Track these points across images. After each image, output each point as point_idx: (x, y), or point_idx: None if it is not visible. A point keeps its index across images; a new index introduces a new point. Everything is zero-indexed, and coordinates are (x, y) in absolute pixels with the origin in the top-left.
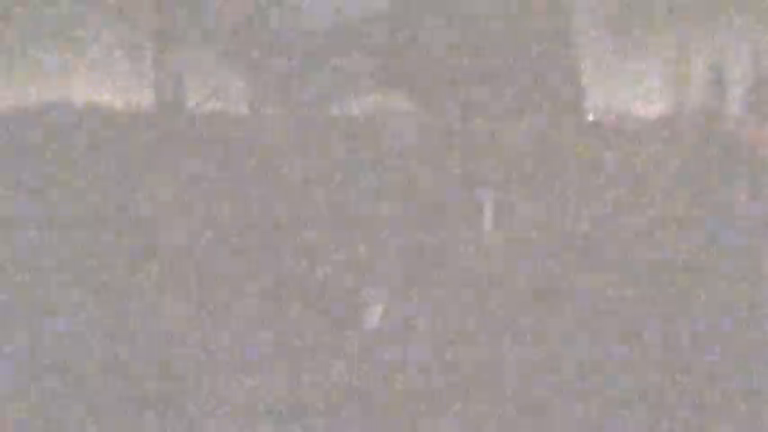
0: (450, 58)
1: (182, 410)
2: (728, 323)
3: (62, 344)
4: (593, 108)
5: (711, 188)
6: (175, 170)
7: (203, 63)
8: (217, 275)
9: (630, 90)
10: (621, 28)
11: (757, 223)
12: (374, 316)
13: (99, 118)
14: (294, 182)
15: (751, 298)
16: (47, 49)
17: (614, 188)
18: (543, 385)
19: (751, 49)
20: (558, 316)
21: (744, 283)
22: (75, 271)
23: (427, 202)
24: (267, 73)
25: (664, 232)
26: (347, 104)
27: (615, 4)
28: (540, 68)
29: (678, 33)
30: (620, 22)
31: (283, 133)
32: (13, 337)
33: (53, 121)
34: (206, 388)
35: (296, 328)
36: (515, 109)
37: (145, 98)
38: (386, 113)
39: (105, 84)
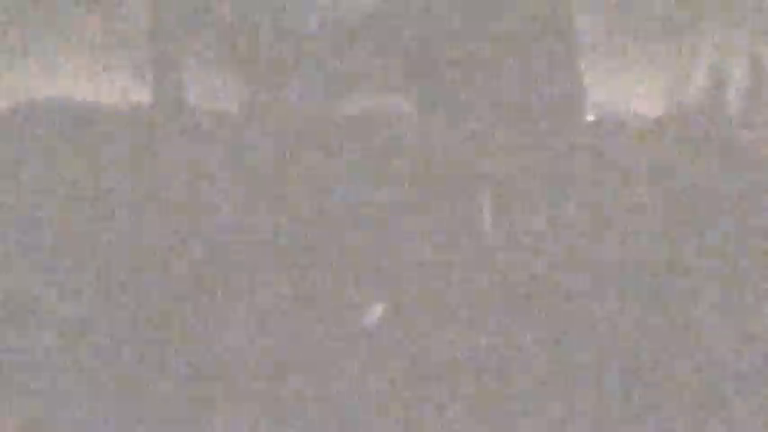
0: (449, 57)
1: (183, 410)
2: (729, 325)
3: (61, 344)
4: (593, 107)
5: (712, 188)
6: (175, 170)
7: (203, 62)
8: (217, 275)
9: (631, 90)
10: (622, 27)
11: (759, 224)
12: (373, 315)
13: (98, 117)
14: (293, 182)
15: (752, 300)
16: (46, 49)
17: (615, 188)
18: (543, 385)
19: (752, 49)
20: (559, 316)
21: (745, 285)
22: (73, 270)
23: (427, 201)
24: (267, 72)
25: (664, 233)
26: (347, 104)
27: (615, 4)
28: (541, 68)
29: (679, 33)
30: (621, 22)
31: (282, 133)
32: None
33: (52, 120)
34: (206, 388)
35: (296, 327)
36: (515, 109)
37: (144, 98)
38: (385, 113)
39: (104, 83)
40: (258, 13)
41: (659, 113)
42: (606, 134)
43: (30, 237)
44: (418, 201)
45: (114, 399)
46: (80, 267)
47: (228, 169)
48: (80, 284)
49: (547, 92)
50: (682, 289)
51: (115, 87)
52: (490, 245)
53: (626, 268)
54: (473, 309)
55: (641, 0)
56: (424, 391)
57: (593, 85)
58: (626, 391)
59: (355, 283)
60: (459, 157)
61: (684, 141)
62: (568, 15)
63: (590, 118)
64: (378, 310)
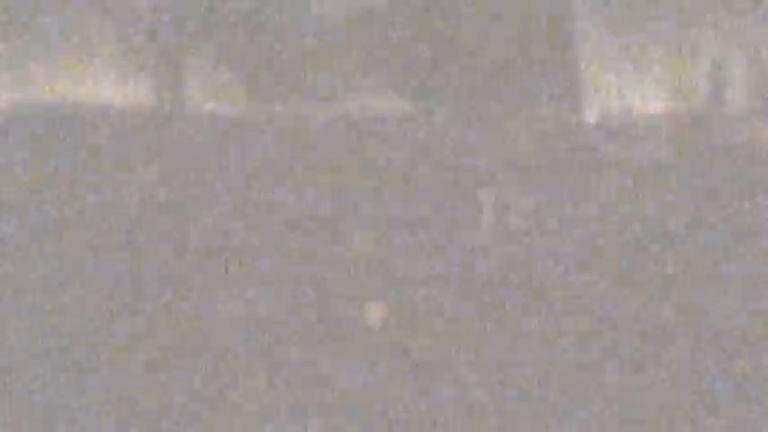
0: (450, 57)
1: (184, 409)
2: (730, 326)
3: (65, 343)
4: (594, 108)
5: (714, 189)
6: (176, 169)
7: (203, 62)
8: (217, 273)
9: (632, 90)
10: (623, 27)
11: (760, 224)
12: (377, 313)
13: (99, 117)
14: (294, 181)
15: (754, 302)
16: (47, 49)
17: (616, 188)
18: (543, 385)
19: (753, 49)
20: (558, 316)
21: (747, 286)
22: (74, 269)
23: (427, 201)
24: (267, 72)
25: (666, 233)
26: (347, 104)
27: (617, 3)
28: (541, 68)
29: (680, 32)
30: (622, 21)
31: (282, 133)
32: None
33: (53, 119)
34: (206, 387)
35: (297, 327)
36: (516, 109)
37: (145, 97)
38: (386, 113)
39: (105, 83)
40: (258, 14)
41: (660, 112)
42: (607, 134)
43: (30, 236)
44: (417, 200)
45: (114, 399)
46: (81, 267)
47: (228, 168)
48: (81, 284)
49: (547, 92)
50: (682, 287)
51: (116, 87)
52: (489, 243)
53: (627, 266)
54: (472, 306)
55: (642, 0)
56: (425, 390)
57: (595, 85)
58: (628, 387)
59: (356, 282)
60: (458, 156)
61: (685, 141)
62: (569, 15)
63: (591, 118)
64: (380, 309)
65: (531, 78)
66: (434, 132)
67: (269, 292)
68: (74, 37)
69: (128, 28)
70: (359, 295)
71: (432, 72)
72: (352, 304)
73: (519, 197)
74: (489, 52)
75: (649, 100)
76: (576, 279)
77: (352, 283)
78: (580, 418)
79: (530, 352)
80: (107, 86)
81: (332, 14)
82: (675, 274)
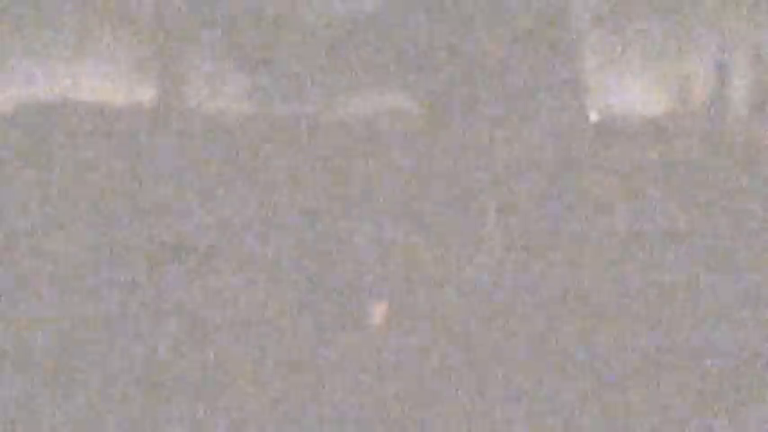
0: (451, 57)
1: (185, 407)
2: (735, 328)
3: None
4: (596, 108)
5: (716, 188)
6: (178, 168)
7: (205, 61)
8: (216, 270)
9: (634, 89)
10: (625, 26)
11: (762, 225)
12: (377, 315)
13: (101, 116)
14: (296, 180)
15: (758, 302)
16: (49, 48)
17: (619, 189)
18: (546, 388)
19: (754, 47)
20: (562, 320)
21: (751, 287)
22: (77, 269)
23: (429, 202)
24: (268, 72)
25: (668, 234)
26: (350, 104)
27: (618, 3)
28: (542, 68)
29: (682, 32)
30: (623, 21)
31: (283, 132)
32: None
33: (55, 119)
34: (206, 387)
35: (299, 326)
36: (517, 109)
37: (147, 96)
38: (388, 113)
39: (106, 82)
40: (261, 12)
41: (663, 112)
42: (610, 133)
43: (32, 236)
44: (422, 200)
45: (115, 398)
46: (79, 267)
47: (230, 166)
48: (81, 283)
49: (549, 92)
50: (686, 287)
51: (118, 85)
52: (494, 245)
53: (629, 268)
54: (476, 310)
55: (643, 0)
56: (427, 391)
57: (597, 85)
58: (630, 392)
59: (359, 283)
60: (460, 157)
61: (688, 139)
62: (570, 15)
63: (593, 117)
64: (382, 310)
65: (533, 79)
66: (437, 132)
67: (269, 291)
68: (74, 35)
69: (128, 26)
70: (361, 296)
71: (434, 72)
72: (354, 304)
73: (522, 197)
74: (490, 53)
75: (651, 100)
76: (578, 279)
77: (354, 283)
78: (580, 418)
79: (532, 353)
80: (107, 85)
81: (335, 13)
82: (678, 275)
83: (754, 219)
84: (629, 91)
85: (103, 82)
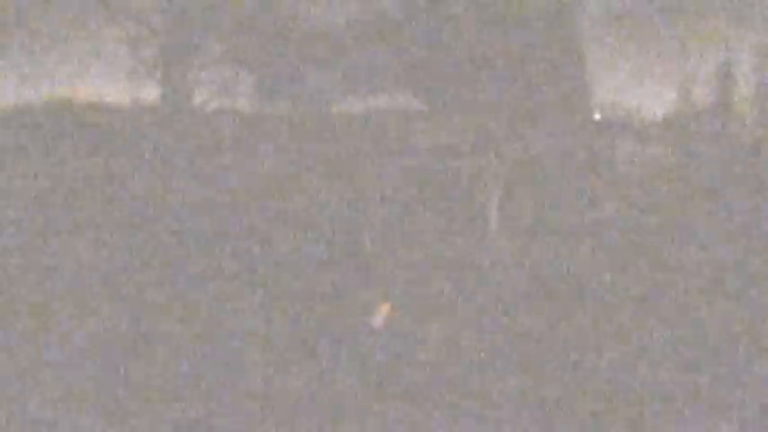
0: (455, 57)
1: (186, 407)
2: (739, 321)
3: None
4: (599, 107)
5: (719, 188)
6: (180, 166)
7: (208, 61)
8: (220, 271)
9: (637, 88)
10: (628, 26)
11: (765, 221)
12: (380, 314)
13: (105, 115)
14: (298, 180)
15: (762, 297)
16: (54, 48)
17: (621, 187)
18: (549, 382)
19: (758, 48)
20: (565, 314)
21: (755, 282)
22: (81, 266)
23: (432, 200)
24: (271, 71)
25: (672, 231)
26: (352, 103)
27: (621, 3)
28: (547, 67)
29: (687, 32)
30: (627, 21)
31: (288, 130)
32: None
33: (60, 118)
34: (207, 386)
35: (301, 325)
36: (521, 108)
37: (151, 95)
38: (392, 112)
39: (111, 81)
40: (265, 13)
41: (666, 112)
42: (613, 133)
43: (33, 234)
44: (426, 198)
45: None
46: (83, 265)
47: (236, 167)
48: (82, 281)
49: (553, 91)
50: (687, 286)
51: (124, 86)
52: (496, 242)
53: (634, 268)
54: (479, 305)
55: (648, 1)
56: (429, 389)
57: (600, 84)
58: (632, 389)
59: (363, 281)
60: (466, 154)
61: (692, 139)
62: (576, 16)
63: (596, 117)
64: (385, 309)
65: (537, 77)
66: (442, 131)
67: (273, 287)
68: (78, 35)
69: (134, 27)
70: (365, 294)
71: (437, 72)
72: (356, 303)
73: (525, 195)
74: (497, 53)
75: (656, 99)
76: (584, 277)
77: (355, 282)
78: (584, 417)
79: (535, 350)
80: (114, 85)
81: (337, 16)
82: (683, 270)
83: (758, 216)
84: (635, 90)
85: (107, 82)
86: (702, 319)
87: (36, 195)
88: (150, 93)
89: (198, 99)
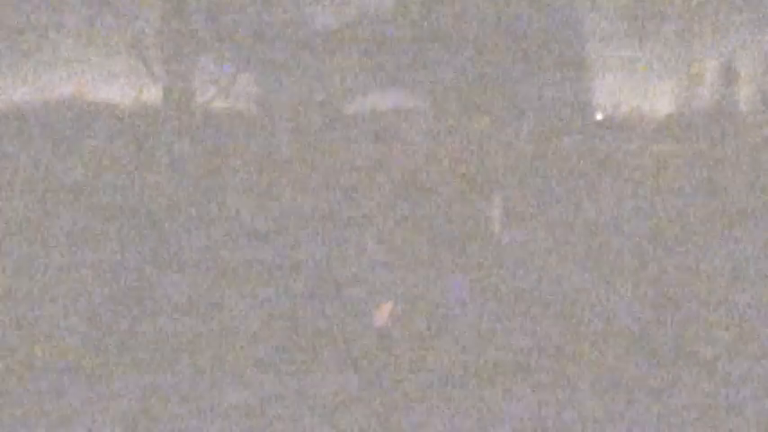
0: (457, 57)
1: (186, 406)
2: (744, 325)
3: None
4: (601, 107)
5: (722, 187)
6: (183, 165)
7: (211, 63)
8: (222, 270)
9: (639, 89)
10: (631, 26)
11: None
12: (381, 314)
13: (108, 114)
14: (300, 179)
15: (759, 294)
16: (57, 47)
17: (623, 187)
18: (550, 384)
19: (760, 48)
20: (569, 315)
21: (760, 286)
22: (84, 264)
23: (433, 200)
24: (273, 72)
25: (674, 232)
26: (354, 103)
27: (623, 3)
28: (548, 67)
29: (689, 31)
30: (629, 21)
31: (289, 130)
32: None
33: (63, 117)
34: (208, 386)
35: (304, 326)
36: (523, 108)
37: (153, 95)
38: (393, 111)
39: (114, 81)
40: (267, 14)
41: (669, 112)
42: (615, 133)
43: (33, 234)
44: (428, 199)
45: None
46: (84, 264)
47: (238, 166)
48: (84, 281)
49: (556, 92)
50: (688, 286)
51: (126, 86)
52: (501, 243)
53: (635, 268)
54: (484, 308)
55: (649, 1)
56: (433, 389)
57: (602, 84)
58: (636, 392)
59: (364, 283)
60: (469, 156)
61: (694, 140)
62: (577, 14)
63: (599, 117)
64: (385, 309)
65: (539, 77)
66: (442, 131)
67: (275, 286)
68: (81, 36)
69: (136, 28)
70: (366, 294)
71: (439, 71)
72: (358, 303)
73: (527, 195)
74: (496, 50)
75: (657, 99)
76: (587, 278)
77: (357, 282)
78: (585, 417)
79: (540, 352)
80: (118, 85)
81: (338, 16)
82: (684, 270)
83: (761, 214)
84: (638, 90)
85: (110, 82)
86: (703, 319)
87: (37, 195)
88: (152, 93)
89: (200, 99)
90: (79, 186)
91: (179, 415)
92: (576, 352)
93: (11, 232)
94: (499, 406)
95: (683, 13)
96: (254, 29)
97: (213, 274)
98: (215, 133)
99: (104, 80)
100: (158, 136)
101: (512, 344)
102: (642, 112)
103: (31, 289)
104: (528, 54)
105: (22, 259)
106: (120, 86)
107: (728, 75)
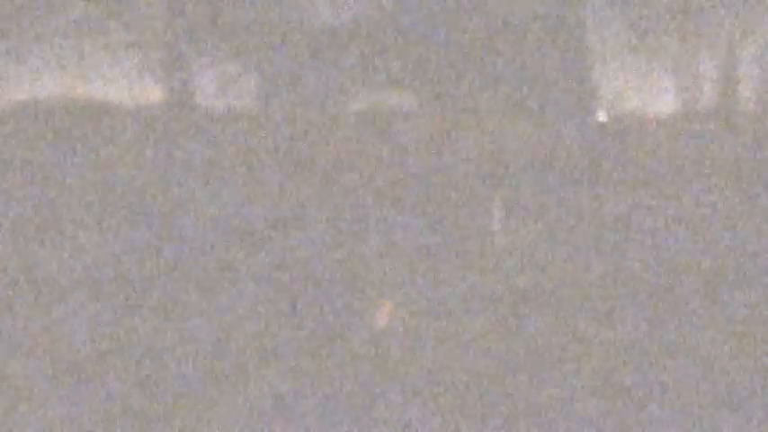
0: (457, 56)
1: (185, 406)
2: (747, 324)
3: (76, 339)
4: (603, 108)
5: (725, 187)
6: (184, 165)
7: (212, 62)
8: (223, 270)
9: (641, 90)
10: (633, 26)
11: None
12: (382, 314)
13: (109, 114)
14: (301, 179)
15: (765, 296)
16: (60, 48)
17: (625, 188)
18: (550, 384)
19: (761, 48)
20: (568, 316)
21: (762, 285)
22: (86, 263)
23: (434, 200)
24: (274, 72)
25: (676, 232)
26: (354, 102)
27: (626, 4)
28: (550, 68)
29: (690, 32)
30: (632, 21)
31: (289, 131)
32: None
33: (64, 117)
34: (208, 386)
35: (305, 325)
36: (524, 108)
37: (154, 94)
38: (393, 111)
39: (115, 80)
40: (268, 14)
41: (672, 111)
42: (617, 133)
43: (34, 233)
44: (427, 200)
45: (115, 396)
46: (89, 263)
47: (237, 166)
48: (86, 280)
49: (558, 91)
50: (689, 286)
51: (127, 86)
52: (500, 244)
53: (637, 268)
54: (482, 309)
55: (652, 1)
56: (432, 389)
57: (604, 85)
58: (634, 393)
59: (365, 282)
60: (468, 156)
61: (699, 138)
62: (580, 15)
63: (601, 117)
64: (386, 309)
65: (540, 78)
66: (441, 130)
67: (276, 287)
68: (82, 36)
69: (137, 27)
70: (367, 293)
71: (440, 71)
72: (359, 303)
73: (530, 196)
74: (501, 54)
75: (661, 99)
76: (587, 278)
77: (358, 282)
78: (585, 417)
79: (539, 353)
80: (119, 85)
81: (339, 15)
82: (686, 270)
83: (762, 214)
84: (640, 91)
85: (112, 81)
86: (704, 319)
87: (38, 194)
88: (154, 93)
89: (201, 99)
90: (79, 186)
91: (179, 411)
92: (576, 352)
93: (10, 232)
94: (499, 405)
95: (683, 13)
96: (255, 29)
97: (213, 273)
98: (215, 133)
99: (104, 80)
100: (158, 136)
101: (512, 344)
102: (644, 113)
103: (30, 288)
104: (528, 54)
105: (22, 259)
106: (121, 86)
107: (729, 74)
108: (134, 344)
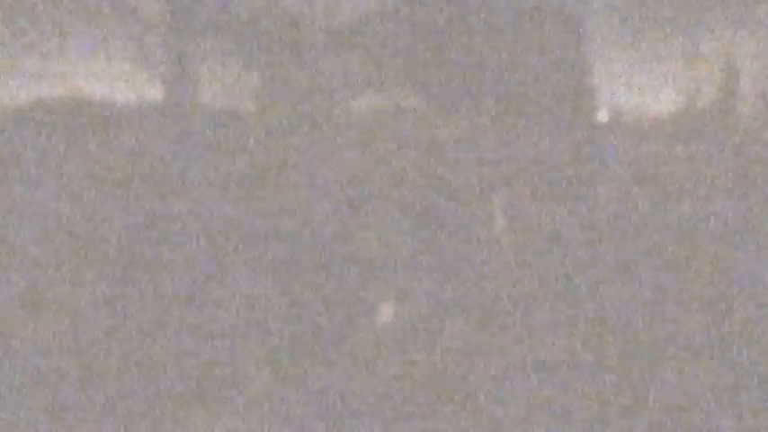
0: (457, 56)
1: (185, 406)
2: (742, 326)
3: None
4: (604, 108)
5: (726, 188)
6: (184, 165)
7: (211, 59)
8: (223, 270)
9: (643, 89)
10: (634, 26)
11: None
12: (385, 314)
13: (108, 114)
14: (301, 179)
15: (762, 297)
16: (60, 47)
17: (626, 189)
18: (552, 385)
19: (763, 47)
20: (570, 318)
21: (761, 287)
22: (82, 267)
23: (435, 201)
24: (274, 71)
25: (677, 234)
26: (355, 102)
27: (627, 3)
28: (550, 67)
29: (691, 31)
30: (633, 20)
31: (289, 130)
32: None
33: (64, 117)
34: (209, 385)
35: (301, 326)
36: (525, 109)
37: (154, 94)
38: (393, 111)
39: (114, 79)
40: (270, 12)
41: (671, 111)
42: (617, 133)
43: (39, 232)
44: (429, 199)
45: (112, 399)
46: (87, 263)
47: (236, 165)
48: (87, 280)
49: (557, 90)
50: (690, 286)
51: (129, 86)
52: (503, 244)
53: (638, 268)
54: (485, 309)
55: (653, 0)
56: (433, 389)
57: (605, 85)
58: (636, 389)
59: (367, 283)
60: (470, 156)
61: (697, 139)
62: (580, 14)
63: (601, 117)
64: (390, 310)
65: (541, 78)
66: (445, 131)
67: (277, 288)
68: (83, 34)
69: (137, 25)
70: (367, 294)
71: (440, 71)
72: (359, 303)
73: (530, 197)
74: (500, 52)
75: (661, 99)
76: (589, 280)
77: (358, 282)
78: (589, 417)
79: (540, 355)
80: (120, 85)
81: (340, 13)
82: (689, 273)
83: (762, 217)
84: (639, 91)
85: (112, 81)
86: (704, 318)
87: (39, 194)
88: (154, 92)
89: (202, 98)
90: (79, 186)
91: (179, 410)
92: (575, 353)
93: (11, 231)
94: (499, 406)
95: (684, 14)
96: (255, 29)
97: (213, 273)
98: (215, 133)
99: (104, 80)
100: (158, 136)
101: (512, 344)
102: (645, 113)
103: (29, 287)
104: (528, 54)
105: (22, 258)
106: (121, 87)
107: (731, 74)
108: (130, 343)
